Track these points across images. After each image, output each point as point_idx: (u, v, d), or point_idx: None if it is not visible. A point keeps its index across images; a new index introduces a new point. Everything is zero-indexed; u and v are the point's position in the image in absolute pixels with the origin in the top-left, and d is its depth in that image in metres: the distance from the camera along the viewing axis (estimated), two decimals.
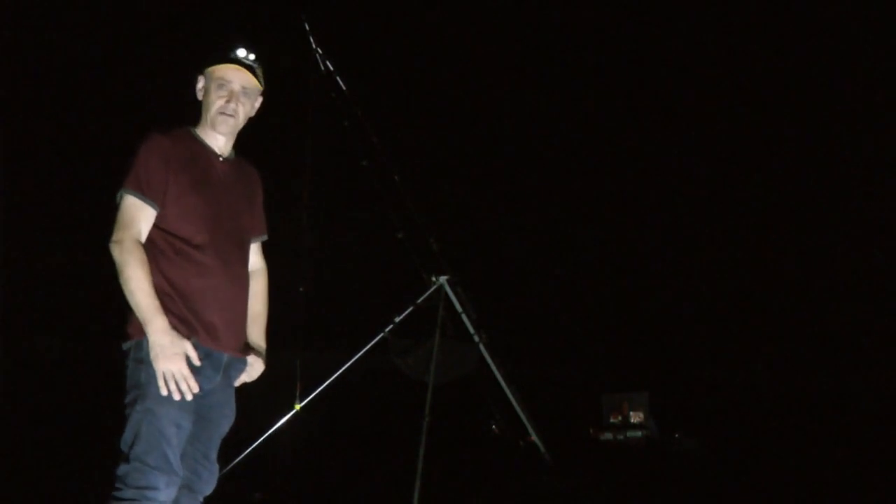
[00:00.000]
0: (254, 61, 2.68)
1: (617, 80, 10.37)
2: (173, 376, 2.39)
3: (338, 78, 5.07)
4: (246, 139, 2.81)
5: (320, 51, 5.02)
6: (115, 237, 2.47)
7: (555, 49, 10.13)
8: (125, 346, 2.51)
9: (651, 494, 5.06)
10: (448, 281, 5.29)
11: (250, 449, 4.72)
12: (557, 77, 10.31)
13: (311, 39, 4.99)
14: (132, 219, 2.48)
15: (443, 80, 10.04)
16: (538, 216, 10.87)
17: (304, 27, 4.97)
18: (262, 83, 2.71)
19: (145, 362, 2.42)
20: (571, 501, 4.92)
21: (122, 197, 2.51)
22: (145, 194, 2.49)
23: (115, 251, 2.45)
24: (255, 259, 2.85)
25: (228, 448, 2.72)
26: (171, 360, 2.39)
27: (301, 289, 4.96)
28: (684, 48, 9.96)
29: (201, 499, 2.63)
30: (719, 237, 10.59)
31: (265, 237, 2.88)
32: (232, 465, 4.53)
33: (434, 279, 5.30)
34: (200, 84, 2.70)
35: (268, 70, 2.75)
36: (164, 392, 2.39)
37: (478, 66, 10.13)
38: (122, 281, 2.43)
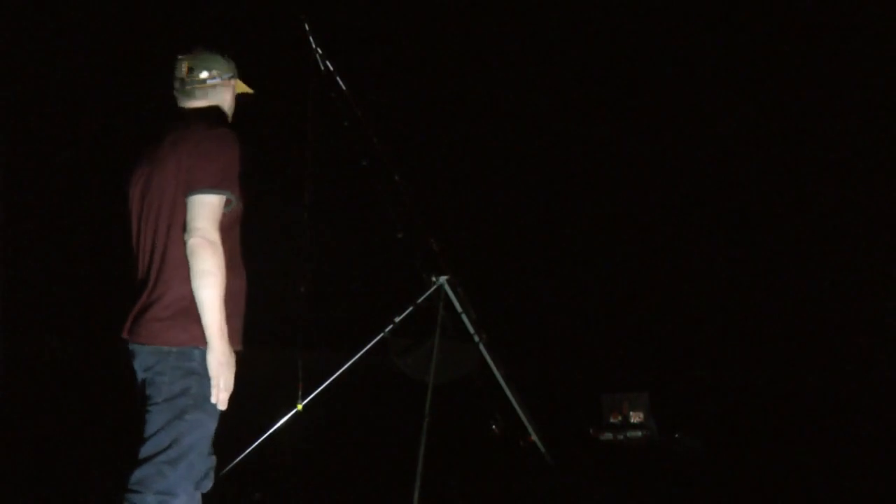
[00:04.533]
0: None
1: (618, 79, 10.37)
2: (228, 387, 2.41)
3: (338, 78, 5.08)
4: (246, 139, 2.81)
5: (320, 51, 5.02)
6: (210, 236, 2.32)
7: (555, 49, 10.14)
8: (166, 349, 2.40)
9: (651, 494, 5.06)
10: (448, 281, 5.29)
11: (250, 449, 4.72)
12: (558, 77, 10.31)
13: (311, 40, 4.99)
14: (218, 221, 2.38)
15: (443, 79, 10.04)
16: (538, 216, 10.87)
17: (305, 27, 4.97)
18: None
19: (198, 373, 2.40)
20: (571, 501, 4.92)
21: (214, 194, 2.37)
22: (231, 196, 2.43)
23: (208, 251, 2.31)
24: None
25: (229, 448, 2.72)
26: (230, 372, 2.41)
27: (301, 289, 4.96)
28: (683, 47, 9.96)
29: (198, 496, 2.62)
30: (719, 237, 10.59)
31: None
32: (232, 465, 4.53)
33: (434, 279, 5.30)
34: (232, 89, 2.75)
35: (267, 70, 2.79)
36: (221, 402, 2.40)
37: (478, 65, 10.14)
38: (201, 284, 2.30)
